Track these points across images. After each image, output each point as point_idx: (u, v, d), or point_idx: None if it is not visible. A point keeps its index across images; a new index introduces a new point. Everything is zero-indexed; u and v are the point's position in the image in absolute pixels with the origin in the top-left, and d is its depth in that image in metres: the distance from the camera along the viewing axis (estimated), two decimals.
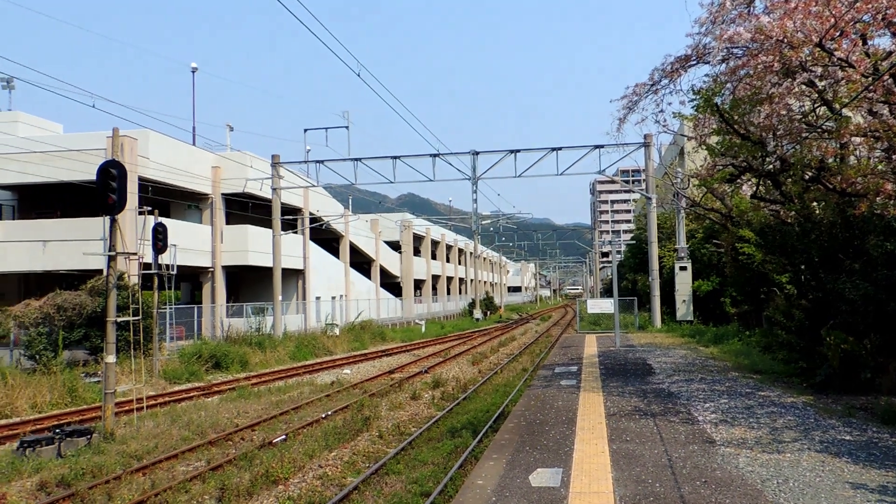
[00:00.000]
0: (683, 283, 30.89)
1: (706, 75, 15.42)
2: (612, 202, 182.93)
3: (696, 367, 17.26)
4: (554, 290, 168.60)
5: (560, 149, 31.92)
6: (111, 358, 14.01)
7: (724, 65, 13.54)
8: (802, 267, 14.62)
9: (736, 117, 14.09)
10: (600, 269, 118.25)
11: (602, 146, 31.33)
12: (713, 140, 16.54)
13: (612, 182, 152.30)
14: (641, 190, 34.16)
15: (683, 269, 30.89)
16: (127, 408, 16.03)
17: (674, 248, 33.23)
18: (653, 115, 15.25)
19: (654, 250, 32.22)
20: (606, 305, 30.48)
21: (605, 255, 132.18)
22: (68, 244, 29.66)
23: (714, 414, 11.15)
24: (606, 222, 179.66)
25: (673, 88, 14.72)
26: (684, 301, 30.88)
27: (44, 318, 21.89)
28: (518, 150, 32.53)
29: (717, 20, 13.04)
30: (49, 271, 30.64)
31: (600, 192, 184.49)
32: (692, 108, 15.23)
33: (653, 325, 32.06)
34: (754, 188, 18.00)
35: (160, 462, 11.72)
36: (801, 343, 14.52)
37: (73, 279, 30.58)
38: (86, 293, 23.14)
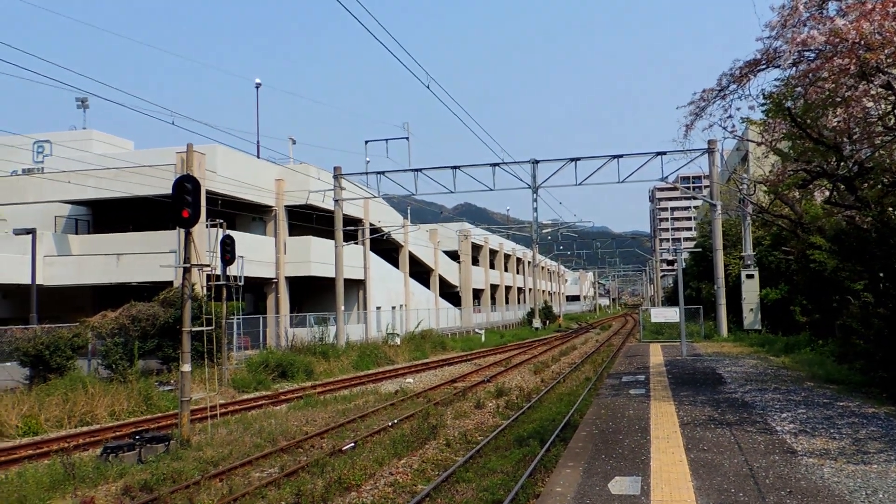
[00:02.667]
0: (750, 291, 30.18)
1: (776, 79, 15.11)
2: (672, 209, 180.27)
3: (768, 377, 16.85)
4: (613, 299, 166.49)
5: (621, 156, 31.62)
6: (186, 367, 14.43)
7: (794, 68, 13.27)
8: (881, 274, 14.17)
9: (808, 121, 13.77)
10: (661, 277, 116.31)
11: (664, 153, 30.93)
12: (784, 145, 16.20)
13: (674, 189, 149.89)
14: (704, 196, 33.54)
15: (750, 276, 30.18)
16: (200, 415, 16.47)
17: (739, 256, 32.52)
18: (720, 121, 15.01)
19: (720, 258, 31.59)
20: (671, 314, 29.95)
21: (669, 262, 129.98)
22: (140, 257, 30.67)
23: (792, 424, 10.88)
24: (666, 230, 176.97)
25: (742, 93, 14.44)
26: (752, 309, 30.17)
27: (119, 329, 22.66)
28: (578, 159, 32.32)
29: (787, 24, 12.78)
30: (122, 283, 31.69)
31: (660, 199, 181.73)
32: (762, 112, 14.94)
33: (719, 334, 31.40)
34: (827, 193, 17.53)
35: (236, 468, 12.00)
36: (881, 352, 14.06)
37: (144, 291, 31.57)
38: (158, 304, 23.88)
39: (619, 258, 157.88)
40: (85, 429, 16.39)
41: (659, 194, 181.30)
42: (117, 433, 15.67)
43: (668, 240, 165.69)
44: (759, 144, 17.76)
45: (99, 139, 38.82)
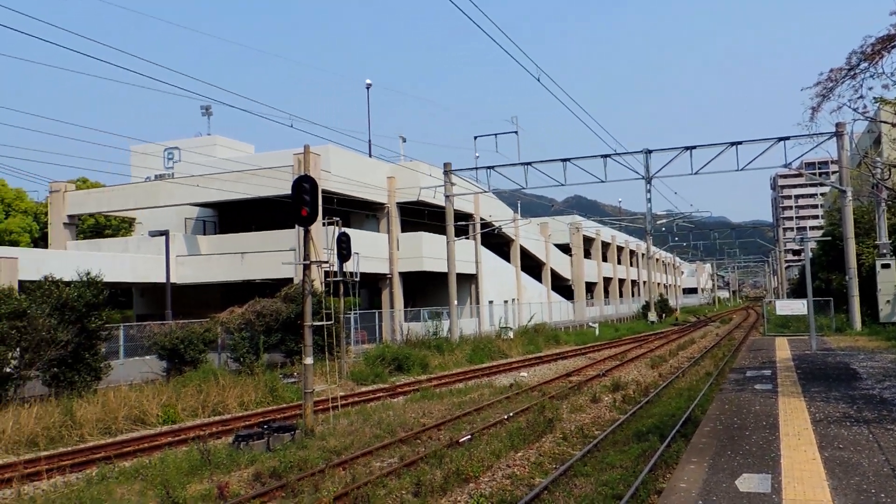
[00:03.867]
0: (887, 281, 28.33)
1: None
2: (797, 197, 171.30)
3: None
4: (733, 292, 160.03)
5: (740, 143, 30.32)
6: (309, 360, 14.97)
7: None
8: None
9: None
10: (785, 268, 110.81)
11: (787, 138, 29.38)
12: None
13: (798, 175, 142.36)
14: (833, 182, 31.68)
15: (886, 266, 28.32)
16: (322, 407, 17.04)
17: (873, 244, 30.57)
18: (850, 102, 14.17)
19: (851, 247, 29.77)
20: (797, 306, 28.53)
21: (794, 252, 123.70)
22: (262, 255, 32.06)
23: None
24: (790, 219, 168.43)
25: (874, 72, 13.62)
26: (888, 301, 28.30)
27: (245, 324, 23.77)
28: (694, 147, 31.24)
29: None
30: (246, 280, 33.23)
31: (782, 186, 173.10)
32: None
33: (851, 327, 29.64)
34: None
35: (357, 458, 12.36)
36: None
37: (267, 287, 32.98)
38: (280, 300, 24.85)
39: (739, 249, 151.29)
40: (217, 418, 17.32)
41: (782, 181, 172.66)
42: (247, 423, 16.47)
43: (792, 229, 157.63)
44: (893, 125, 16.61)
45: (222, 144, 40.90)
